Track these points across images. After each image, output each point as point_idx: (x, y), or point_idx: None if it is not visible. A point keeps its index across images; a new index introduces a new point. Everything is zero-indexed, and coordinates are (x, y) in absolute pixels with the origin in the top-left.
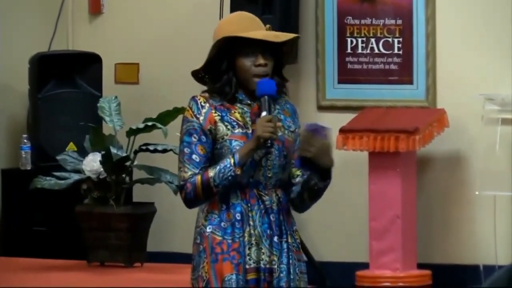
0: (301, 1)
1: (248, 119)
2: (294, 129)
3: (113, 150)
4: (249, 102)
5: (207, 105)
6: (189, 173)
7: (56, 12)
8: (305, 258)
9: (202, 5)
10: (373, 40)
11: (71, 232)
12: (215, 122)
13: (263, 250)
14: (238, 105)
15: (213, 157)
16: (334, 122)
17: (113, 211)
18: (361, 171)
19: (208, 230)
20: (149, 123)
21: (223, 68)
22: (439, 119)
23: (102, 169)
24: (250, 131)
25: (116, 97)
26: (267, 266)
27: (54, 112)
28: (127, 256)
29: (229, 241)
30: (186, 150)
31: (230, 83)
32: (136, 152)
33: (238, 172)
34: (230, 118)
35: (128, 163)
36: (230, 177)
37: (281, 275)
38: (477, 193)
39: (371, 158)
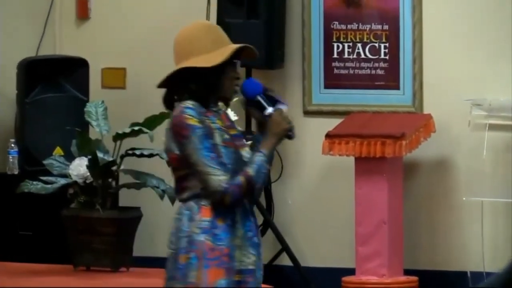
0: (287, 5)
1: (223, 126)
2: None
3: (100, 155)
4: (215, 109)
5: (199, 112)
6: (227, 176)
7: (43, 17)
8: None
9: (189, 10)
10: (359, 45)
11: (57, 237)
12: (212, 129)
13: (244, 252)
14: (211, 112)
15: None
16: (320, 127)
17: (99, 215)
18: (347, 176)
19: (200, 237)
20: (136, 128)
21: (216, 75)
22: (426, 125)
23: (88, 174)
24: (229, 137)
25: (102, 102)
26: (249, 267)
27: (41, 116)
28: (113, 260)
29: (221, 247)
30: (212, 154)
31: (216, 90)
32: (122, 157)
33: (269, 168)
34: (217, 125)
35: (114, 168)
36: (264, 174)
37: (258, 274)
38: (464, 198)
39: (358, 163)
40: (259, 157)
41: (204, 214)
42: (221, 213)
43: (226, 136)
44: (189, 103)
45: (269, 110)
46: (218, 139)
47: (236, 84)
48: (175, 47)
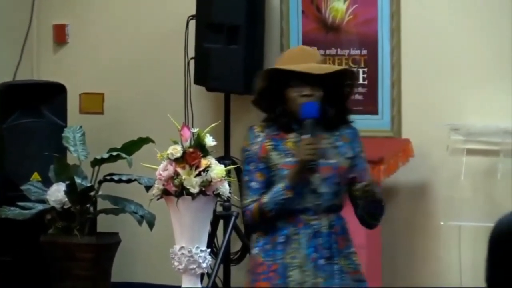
0: (266, 31)
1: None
2: (352, 155)
3: (78, 180)
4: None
5: (263, 134)
6: (249, 200)
7: (21, 42)
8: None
9: (167, 36)
10: None
11: (36, 262)
12: (268, 151)
13: (307, 273)
14: (294, 134)
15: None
16: None
17: (78, 241)
18: None
19: (254, 252)
20: (114, 153)
21: (274, 100)
22: (404, 149)
23: (66, 199)
24: (294, 160)
25: (80, 127)
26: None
27: (18, 141)
28: (91, 286)
29: (269, 263)
30: (246, 178)
31: (283, 114)
32: (100, 182)
33: (289, 195)
34: (283, 147)
35: (92, 193)
36: (281, 201)
37: None
38: (442, 223)
39: None
40: (279, 185)
41: (261, 230)
42: (274, 230)
43: (291, 159)
44: (259, 124)
45: (304, 136)
46: (277, 160)
47: (301, 103)
48: None
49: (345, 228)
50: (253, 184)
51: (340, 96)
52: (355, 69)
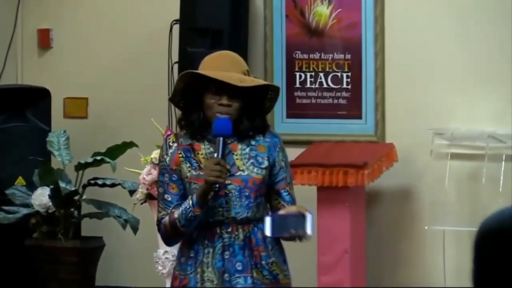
0: (250, 35)
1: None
2: (267, 165)
3: (62, 184)
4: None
5: (175, 144)
6: (162, 213)
7: (5, 47)
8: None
9: (151, 39)
10: (321, 74)
11: (20, 266)
12: (179, 163)
13: (218, 286)
14: (206, 144)
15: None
16: None
17: (62, 245)
18: (309, 206)
19: (175, 264)
20: (98, 157)
21: (192, 104)
22: (388, 154)
23: (50, 203)
24: (199, 174)
25: (65, 131)
26: None
27: (3, 146)
28: None
29: (182, 277)
30: (160, 189)
31: (198, 120)
32: (84, 186)
33: (197, 213)
34: (193, 160)
35: (76, 197)
36: (191, 217)
37: None
38: (426, 227)
39: (320, 192)
40: (188, 200)
41: (182, 243)
42: (187, 243)
43: (198, 173)
44: (174, 133)
45: (215, 155)
46: (187, 173)
47: (219, 111)
48: None
49: (266, 238)
50: (167, 197)
51: (259, 109)
52: (278, 85)
